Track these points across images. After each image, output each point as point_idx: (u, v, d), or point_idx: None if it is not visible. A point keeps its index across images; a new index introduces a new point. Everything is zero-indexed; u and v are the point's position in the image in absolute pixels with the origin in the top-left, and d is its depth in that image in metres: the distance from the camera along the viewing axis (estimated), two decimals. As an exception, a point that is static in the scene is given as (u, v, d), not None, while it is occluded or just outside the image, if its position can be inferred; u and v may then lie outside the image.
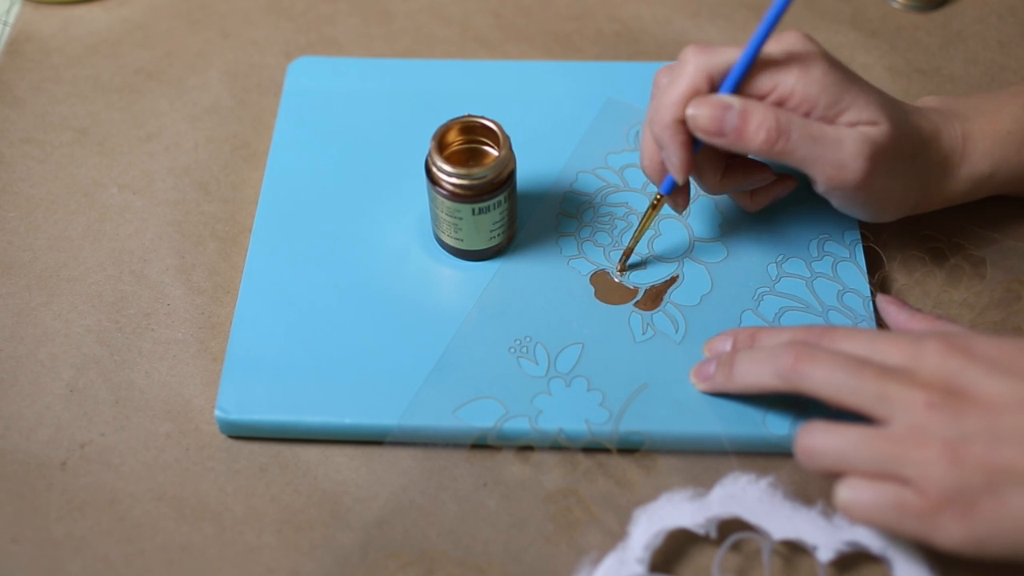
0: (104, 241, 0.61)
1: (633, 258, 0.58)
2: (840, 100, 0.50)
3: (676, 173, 0.52)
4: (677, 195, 0.55)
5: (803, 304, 0.56)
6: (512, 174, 0.55)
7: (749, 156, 0.54)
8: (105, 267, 0.60)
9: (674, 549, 0.49)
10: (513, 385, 0.53)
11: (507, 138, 0.54)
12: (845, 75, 0.51)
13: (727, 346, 0.53)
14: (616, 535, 0.49)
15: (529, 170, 0.61)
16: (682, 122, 0.51)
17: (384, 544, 0.50)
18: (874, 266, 0.58)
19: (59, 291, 0.59)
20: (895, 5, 0.72)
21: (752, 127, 0.49)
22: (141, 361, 0.56)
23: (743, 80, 0.50)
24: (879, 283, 0.57)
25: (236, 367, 0.54)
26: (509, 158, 0.54)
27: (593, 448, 0.52)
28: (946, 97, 0.58)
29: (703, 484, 0.50)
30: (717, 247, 0.58)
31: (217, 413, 0.52)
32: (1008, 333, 0.56)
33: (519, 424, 0.52)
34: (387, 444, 0.52)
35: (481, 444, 0.52)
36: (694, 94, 0.50)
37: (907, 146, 0.52)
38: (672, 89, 0.51)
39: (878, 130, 0.50)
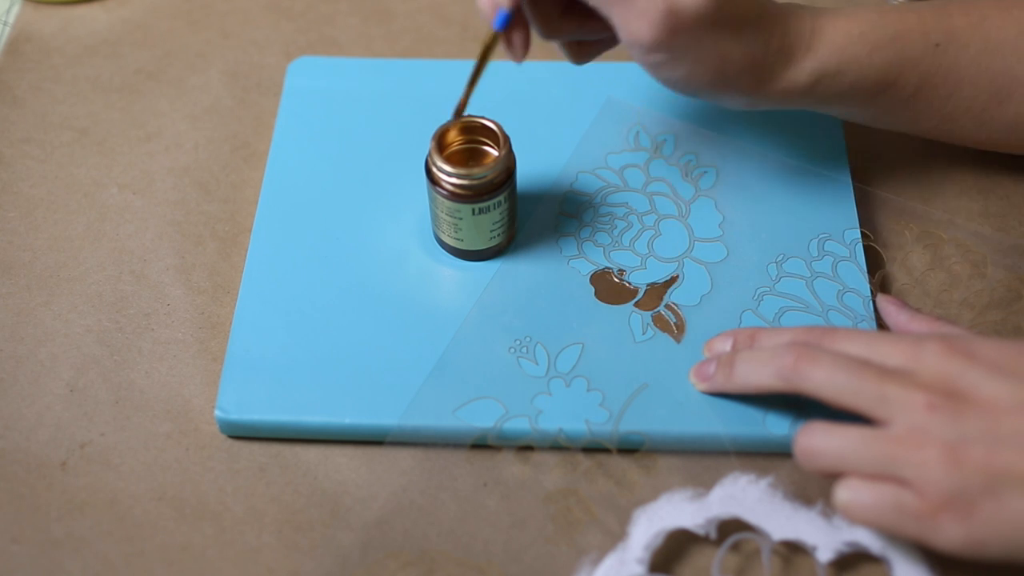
0: (104, 241, 0.61)
1: (633, 258, 0.58)
2: None
3: None
4: (512, 32, 0.51)
5: (803, 304, 0.56)
6: (512, 174, 0.55)
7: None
8: (105, 267, 0.60)
9: (674, 549, 0.49)
10: (513, 385, 0.53)
11: (507, 138, 0.54)
12: None
13: (727, 346, 0.52)
14: (616, 535, 0.49)
15: (529, 170, 0.61)
16: None
17: (384, 544, 0.50)
18: (874, 266, 0.58)
19: (59, 291, 0.59)
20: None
21: None
22: (141, 361, 0.56)
23: None
24: (879, 283, 0.57)
25: (236, 367, 0.54)
26: (509, 158, 0.54)
27: (593, 448, 0.52)
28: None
29: (703, 484, 0.50)
30: (717, 247, 0.58)
31: (217, 413, 0.52)
32: (1008, 333, 0.56)
33: (519, 424, 0.52)
34: (387, 444, 0.52)
35: (481, 444, 0.52)
36: None
37: (731, 13, 0.49)
38: None
39: None
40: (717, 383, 0.51)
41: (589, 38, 0.55)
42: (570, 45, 0.56)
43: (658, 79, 0.53)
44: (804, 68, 0.53)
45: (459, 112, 0.53)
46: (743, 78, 0.52)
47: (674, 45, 0.49)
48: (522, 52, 0.52)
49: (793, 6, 0.54)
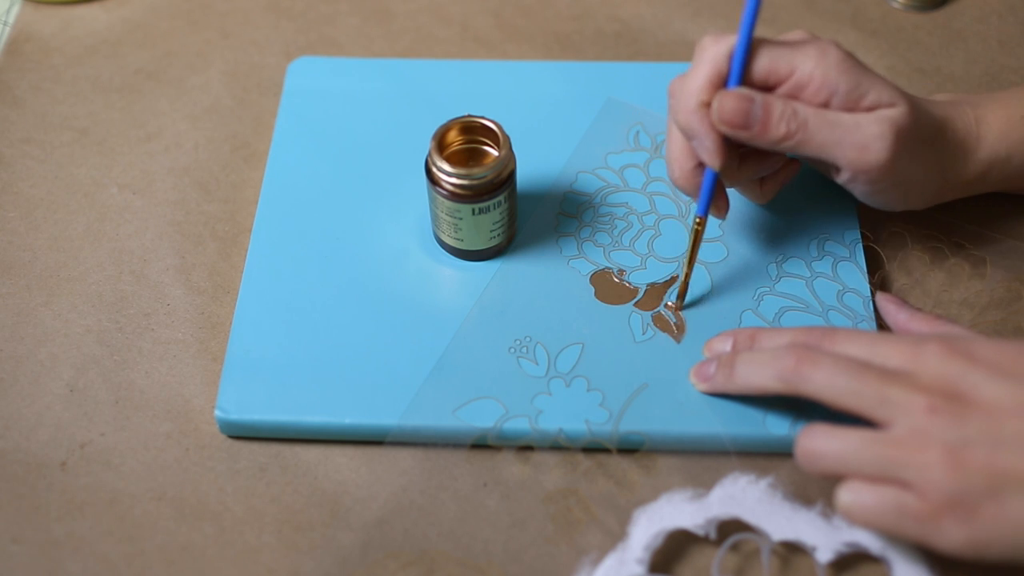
0: (104, 241, 0.61)
1: (633, 259, 0.58)
2: (860, 84, 0.50)
3: (711, 157, 0.51)
4: (716, 199, 0.54)
5: (803, 304, 0.56)
6: (512, 174, 0.55)
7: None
8: (105, 267, 0.60)
9: (674, 549, 0.49)
10: (513, 385, 0.53)
11: (507, 138, 0.54)
12: (860, 63, 0.51)
13: (727, 347, 0.52)
14: (616, 535, 0.49)
15: (529, 170, 0.61)
16: (708, 105, 0.50)
17: (384, 544, 0.50)
18: (874, 266, 0.58)
19: (59, 291, 0.59)
20: (895, 5, 0.72)
21: (774, 119, 0.50)
22: (141, 361, 0.56)
23: (752, 62, 0.50)
24: (879, 283, 0.57)
25: (236, 367, 0.54)
26: (509, 158, 0.54)
27: (593, 448, 0.52)
28: (952, 93, 0.58)
29: (703, 484, 0.50)
30: (717, 247, 0.58)
31: (217, 413, 0.52)
32: (1008, 333, 0.56)
33: (519, 424, 0.52)
34: (387, 444, 0.52)
35: (481, 444, 0.52)
36: (717, 77, 0.50)
37: (925, 128, 0.52)
38: (695, 75, 0.51)
39: (898, 111, 0.50)
40: (717, 384, 0.51)
41: (768, 172, 0.56)
42: (751, 187, 0.57)
43: (875, 202, 0.54)
44: (980, 159, 0.55)
45: (681, 298, 0.56)
46: (937, 182, 0.54)
47: (899, 166, 0.51)
48: (727, 211, 0.55)
49: (947, 103, 0.55)
